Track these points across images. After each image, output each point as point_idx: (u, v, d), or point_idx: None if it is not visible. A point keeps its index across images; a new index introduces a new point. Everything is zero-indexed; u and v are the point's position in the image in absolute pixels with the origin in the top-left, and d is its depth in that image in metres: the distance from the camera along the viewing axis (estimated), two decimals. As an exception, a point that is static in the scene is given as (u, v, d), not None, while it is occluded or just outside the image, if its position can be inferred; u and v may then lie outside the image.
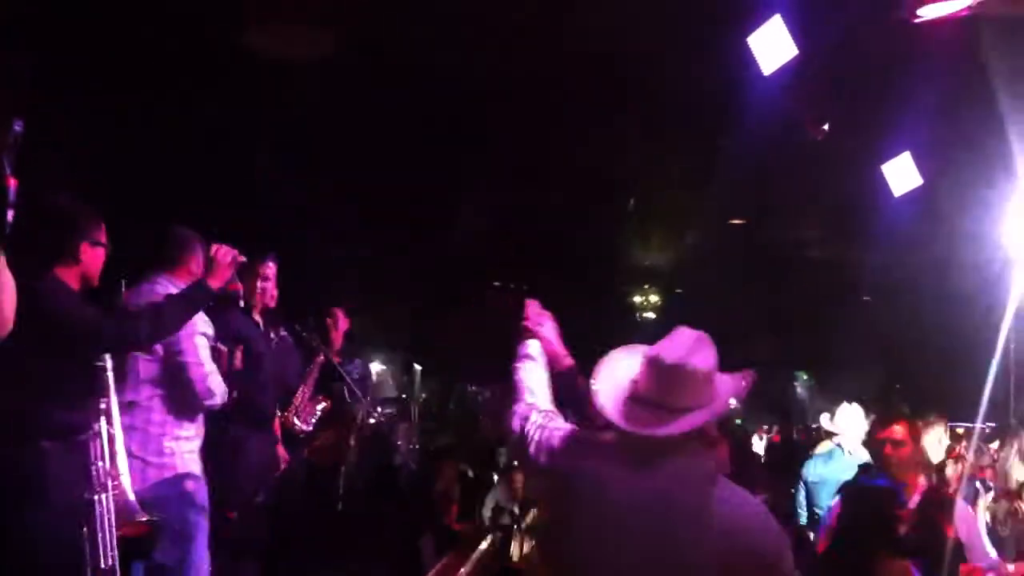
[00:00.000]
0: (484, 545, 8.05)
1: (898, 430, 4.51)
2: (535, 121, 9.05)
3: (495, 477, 9.84)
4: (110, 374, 4.32)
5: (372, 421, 7.52)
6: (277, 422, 6.14)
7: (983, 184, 9.01)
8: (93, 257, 4.13)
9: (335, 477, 7.26)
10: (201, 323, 4.74)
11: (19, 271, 4.05)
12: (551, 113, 8.89)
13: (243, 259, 4.56)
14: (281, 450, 6.14)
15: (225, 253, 4.45)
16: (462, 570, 7.08)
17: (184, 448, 4.72)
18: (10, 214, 2.18)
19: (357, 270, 10.81)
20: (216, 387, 4.76)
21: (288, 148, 8.84)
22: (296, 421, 6.57)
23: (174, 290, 4.70)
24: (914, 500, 4.46)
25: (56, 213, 4.11)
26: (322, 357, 6.51)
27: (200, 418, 4.87)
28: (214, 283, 4.40)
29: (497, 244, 12.86)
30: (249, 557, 5.73)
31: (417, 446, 10.44)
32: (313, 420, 6.76)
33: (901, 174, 9.05)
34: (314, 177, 9.33)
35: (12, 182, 2.18)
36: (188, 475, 4.69)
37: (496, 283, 15.43)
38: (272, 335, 5.85)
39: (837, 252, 13.79)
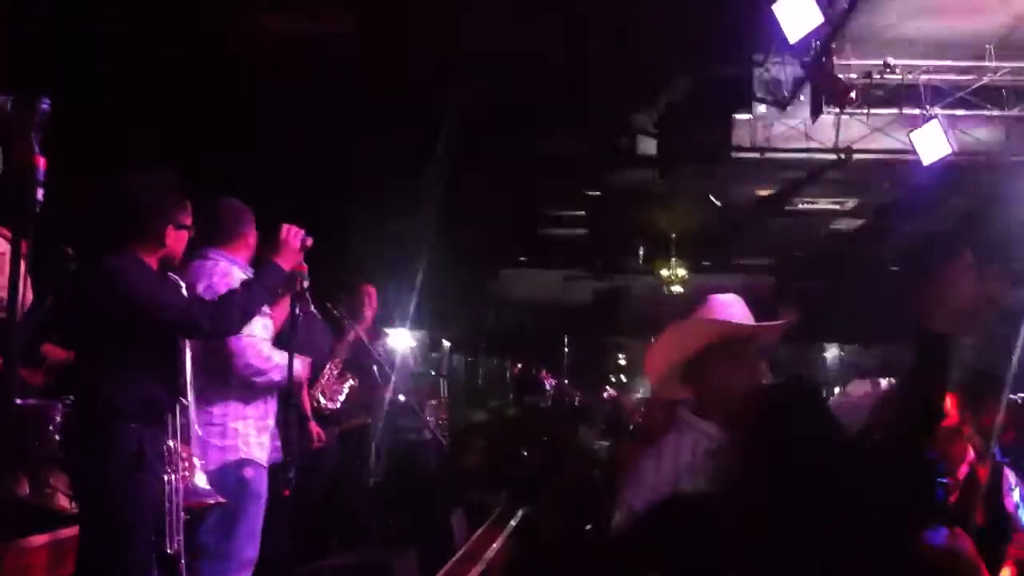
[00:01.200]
0: (515, 520, 8.07)
1: None
2: (559, 101, 9.05)
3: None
4: (188, 353, 4.27)
5: (402, 399, 7.52)
6: (306, 399, 6.13)
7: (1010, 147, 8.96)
8: (177, 239, 4.09)
9: (367, 453, 7.29)
10: None
11: (100, 249, 4.09)
12: (575, 89, 8.89)
13: (311, 241, 4.50)
14: (315, 427, 6.14)
15: (296, 234, 4.38)
16: (494, 545, 7.09)
17: (248, 430, 4.61)
18: (40, 193, 2.17)
19: (385, 246, 10.84)
20: (261, 362, 4.56)
21: (322, 122, 8.89)
22: (321, 398, 6.57)
23: (235, 267, 4.66)
24: (963, 471, 4.46)
25: (143, 196, 4.07)
26: (353, 335, 6.48)
27: (268, 400, 4.75)
28: (284, 264, 4.34)
29: (524, 220, 12.88)
30: (281, 533, 5.76)
31: (446, 422, 10.46)
32: (340, 398, 6.76)
33: (930, 142, 8.97)
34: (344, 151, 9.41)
35: (41, 161, 2.18)
36: (249, 461, 4.56)
37: (523, 258, 15.45)
38: (298, 311, 5.82)
39: (865, 221, 13.70)
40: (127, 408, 3.86)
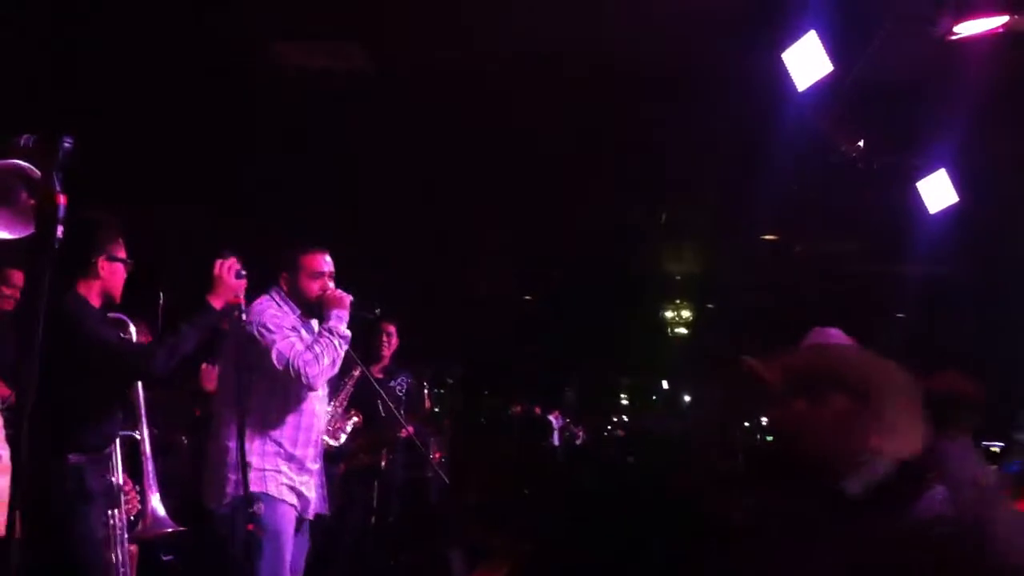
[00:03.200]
0: (515, 559, 8.01)
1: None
2: (568, 138, 9.07)
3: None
4: (139, 386, 4.45)
5: (403, 435, 7.49)
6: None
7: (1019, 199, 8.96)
8: (111, 272, 4.14)
9: (369, 490, 7.26)
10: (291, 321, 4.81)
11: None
12: (585, 127, 8.91)
13: (244, 273, 4.45)
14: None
15: (230, 269, 4.35)
16: (493, 584, 7.04)
17: (265, 465, 4.63)
18: (59, 230, 2.21)
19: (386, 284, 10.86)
20: (302, 363, 4.59)
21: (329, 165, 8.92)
22: (324, 436, 6.55)
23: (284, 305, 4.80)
24: None
25: (75, 227, 4.15)
26: (358, 372, 6.46)
27: (301, 438, 4.79)
28: (217, 301, 4.31)
29: (530, 261, 12.89)
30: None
31: (448, 459, 10.41)
32: (344, 435, 6.74)
33: (937, 191, 8.98)
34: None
35: (62, 199, 2.21)
36: (262, 496, 4.55)
37: (528, 297, 15.46)
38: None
39: (870, 268, 13.70)
40: (70, 441, 3.89)
